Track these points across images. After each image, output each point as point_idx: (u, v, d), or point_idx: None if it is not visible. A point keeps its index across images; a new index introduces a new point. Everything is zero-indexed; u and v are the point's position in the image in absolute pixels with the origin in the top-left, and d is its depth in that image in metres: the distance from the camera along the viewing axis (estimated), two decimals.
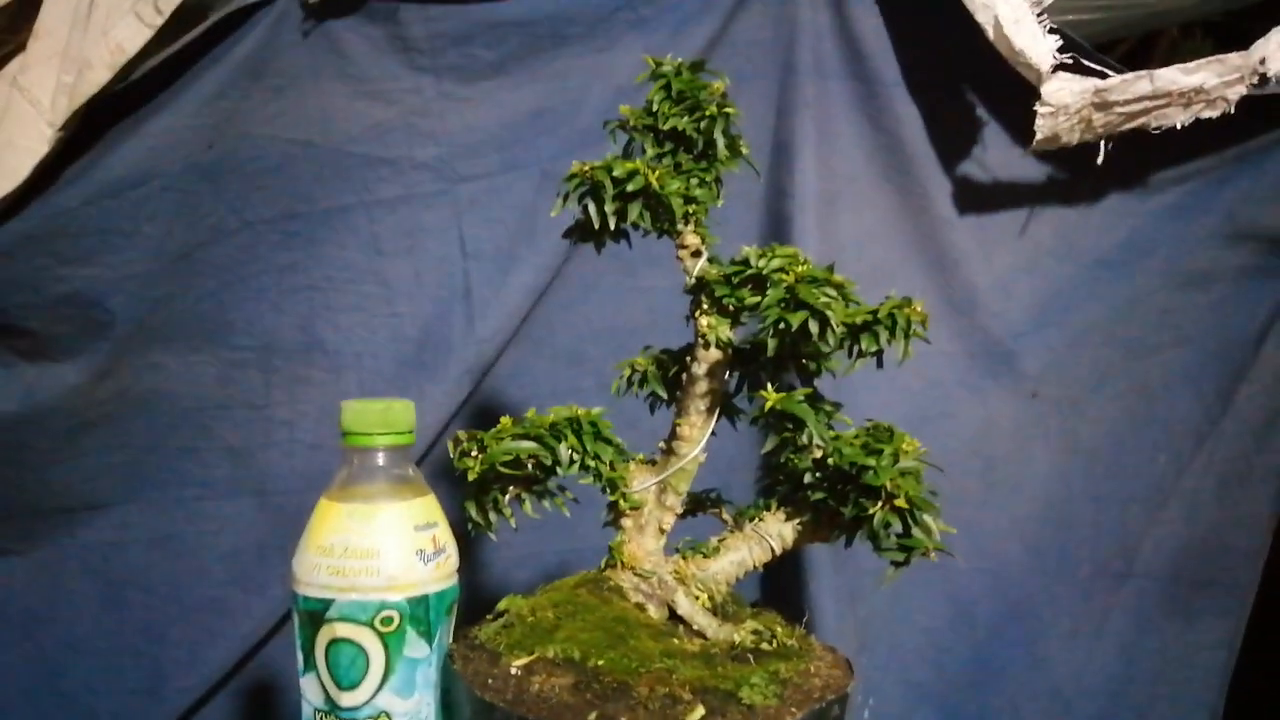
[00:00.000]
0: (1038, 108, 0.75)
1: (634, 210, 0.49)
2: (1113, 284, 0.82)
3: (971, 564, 0.85)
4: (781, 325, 0.45)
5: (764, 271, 0.47)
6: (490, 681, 0.45)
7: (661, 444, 0.52)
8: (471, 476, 0.49)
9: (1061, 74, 0.75)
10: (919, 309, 0.47)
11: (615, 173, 0.48)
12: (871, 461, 0.46)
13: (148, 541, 0.79)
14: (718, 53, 0.78)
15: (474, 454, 0.49)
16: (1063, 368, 0.83)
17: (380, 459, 0.50)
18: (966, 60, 0.78)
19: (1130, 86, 0.74)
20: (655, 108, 0.51)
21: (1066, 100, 0.76)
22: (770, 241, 0.79)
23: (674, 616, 0.50)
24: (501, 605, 0.50)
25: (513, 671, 0.45)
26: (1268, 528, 0.84)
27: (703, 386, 0.51)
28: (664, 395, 0.55)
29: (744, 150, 0.53)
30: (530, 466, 0.49)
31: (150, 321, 0.76)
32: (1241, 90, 0.74)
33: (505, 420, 0.50)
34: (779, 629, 0.49)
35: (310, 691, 0.49)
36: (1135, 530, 0.85)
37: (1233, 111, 0.73)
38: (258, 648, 0.80)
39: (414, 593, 0.48)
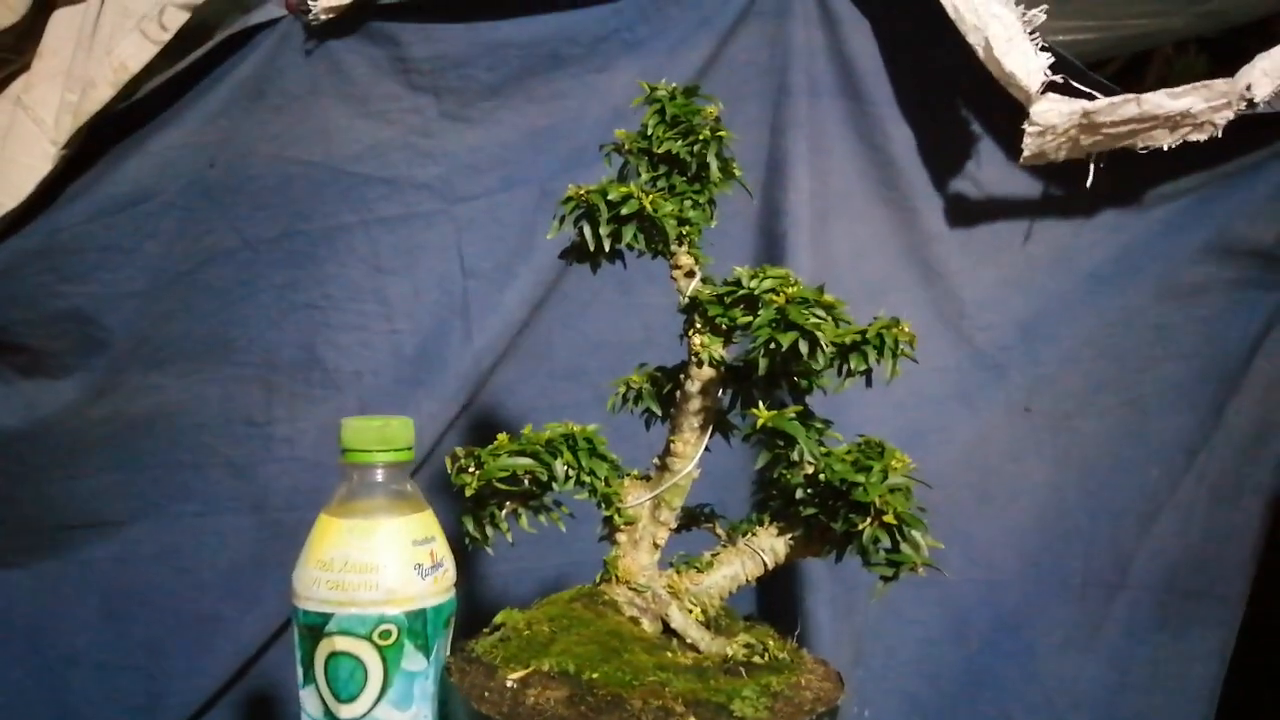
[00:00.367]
0: (1026, 127, 0.76)
1: (628, 232, 0.50)
2: (1105, 299, 0.83)
3: (966, 575, 0.85)
4: (772, 345, 0.46)
5: (755, 292, 0.48)
6: (486, 694, 0.45)
7: (656, 460, 0.53)
8: (469, 492, 0.50)
9: (1050, 95, 0.76)
10: (907, 329, 0.47)
11: (610, 196, 0.49)
12: (861, 478, 0.47)
13: (149, 557, 0.80)
14: (713, 73, 0.79)
15: (471, 470, 0.50)
16: (1055, 382, 0.84)
17: (379, 475, 0.51)
18: (958, 79, 0.79)
19: (1117, 109, 0.76)
20: (650, 131, 0.52)
21: (1054, 121, 0.77)
22: (765, 258, 0.81)
23: (668, 630, 0.50)
24: (498, 619, 0.51)
25: (509, 684, 0.46)
26: (1259, 539, 0.85)
27: (696, 404, 0.52)
28: (658, 412, 0.55)
29: (737, 172, 0.54)
30: (526, 482, 0.50)
31: (150, 340, 0.77)
32: (1229, 115, 0.75)
33: (502, 437, 0.51)
34: (771, 642, 0.50)
35: (310, 704, 0.50)
36: (1128, 542, 0.86)
37: (1220, 135, 0.74)
38: (254, 662, 0.81)
39: (412, 606, 0.49)
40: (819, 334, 0.46)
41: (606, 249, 0.50)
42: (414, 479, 0.53)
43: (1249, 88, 0.75)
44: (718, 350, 0.51)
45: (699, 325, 0.51)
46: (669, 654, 0.48)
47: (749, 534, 0.52)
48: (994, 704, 0.86)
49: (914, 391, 0.83)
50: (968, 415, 0.85)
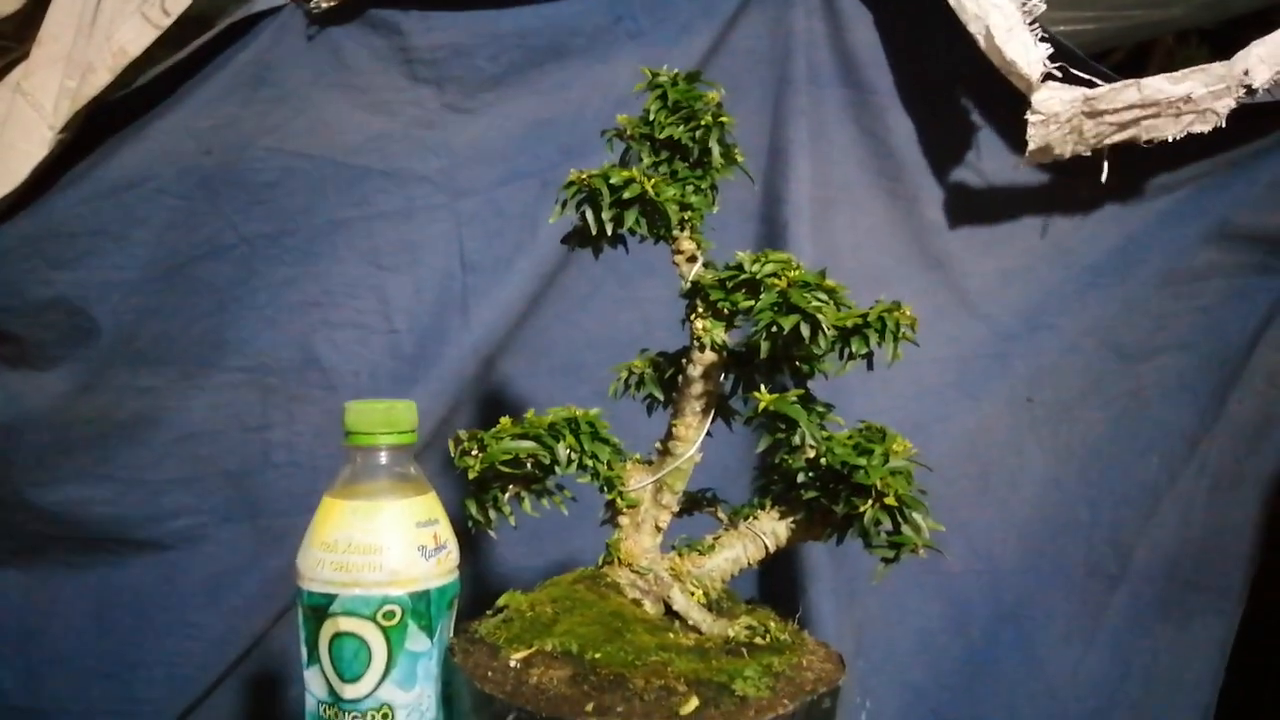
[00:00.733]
0: (1029, 116, 0.76)
1: (630, 217, 0.50)
2: (1106, 289, 0.83)
3: (967, 566, 0.85)
4: (774, 328, 0.46)
5: (757, 276, 0.49)
6: (490, 674, 0.46)
7: (658, 444, 0.54)
8: (472, 475, 0.50)
9: (1051, 83, 0.76)
10: (908, 313, 0.48)
11: (612, 180, 0.50)
12: (862, 461, 0.47)
13: (140, 565, 0.78)
14: (715, 62, 0.79)
15: (474, 453, 0.50)
16: (1057, 372, 0.84)
17: (383, 458, 0.51)
18: (959, 69, 0.79)
19: (1119, 95, 0.76)
20: (652, 117, 0.53)
21: (1056, 108, 0.77)
22: (766, 246, 0.81)
23: (670, 612, 0.51)
24: (501, 601, 0.51)
25: (512, 664, 0.46)
26: (1260, 530, 0.85)
27: (698, 388, 0.52)
28: (660, 397, 0.56)
29: (739, 158, 0.54)
30: (529, 466, 0.50)
31: (140, 336, 0.75)
32: (1230, 103, 0.75)
33: (505, 420, 0.51)
34: (773, 624, 0.50)
35: (314, 684, 0.50)
36: (1129, 533, 0.86)
37: (1224, 125, 0.74)
38: (239, 665, 0.80)
39: (415, 588, 0.49)
40: (820, 317, 0.46)
41: (609, 233, 0.51)
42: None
43: (1246, 73, 0.75)
44: (719, 335, 0.51)
45: (701, 310, 0.51)
46: (671, 635, 0.48)
47: (750, 518, 0.52)
48: (995, 694, 0.87)
49: (915, 381, 0.84)
50: (969, 405, 0.85)
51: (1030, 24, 0.77)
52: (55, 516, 0.76)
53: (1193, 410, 0.84)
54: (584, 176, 0.50)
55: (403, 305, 0.79)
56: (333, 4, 0.74)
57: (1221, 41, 1.06)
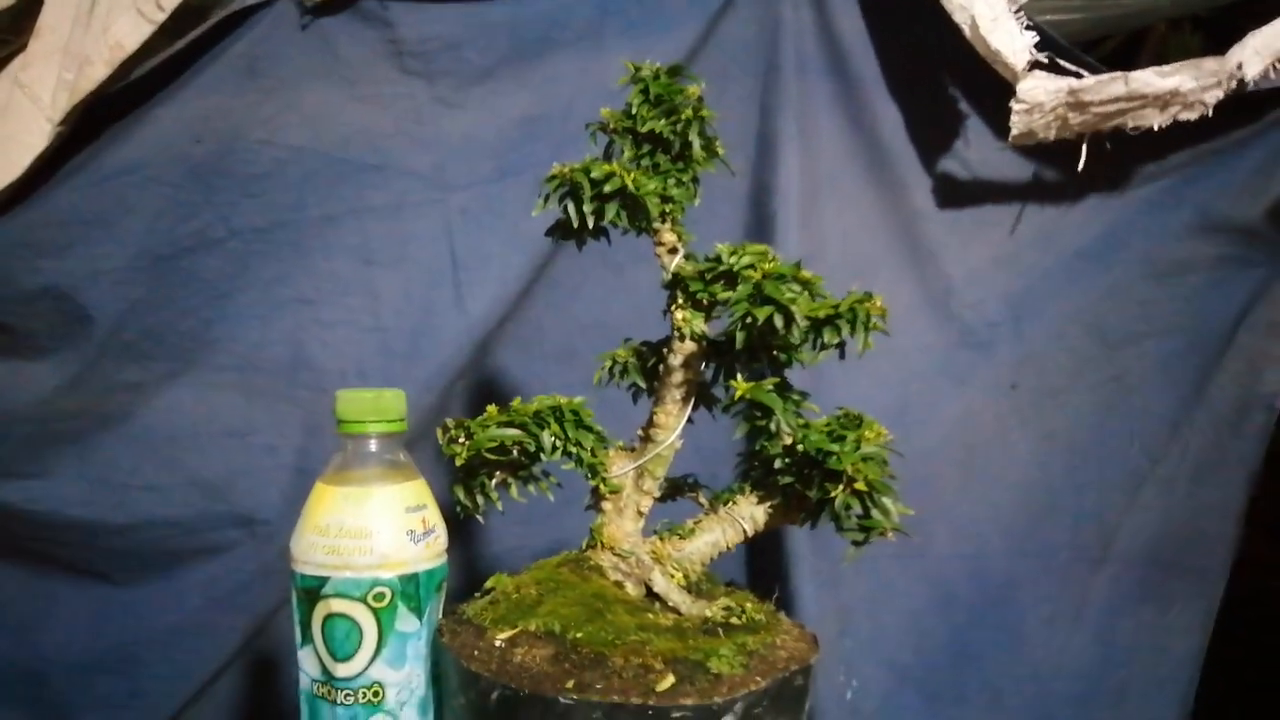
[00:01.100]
0: (1013, 104, 0.77)
1: (611, 210, 0.51)
2: (1090, 276, 0.84)
3: (952, 549, 0.87)
4: (749, 319, 0.48)
5: (735, 268, 0.50)
6: (476, 653, 0.47)
7: (640, 431, 0.55)
8: (459, 462, 0.51)
9: (1038, 72, 0.77)
10: (879, 303, 0.49)
11: (593, 174, 0.51)
12: (835, 447, 0.49)
13: (137, 561, 0.78)
14: (704, 52, 0.80)
15: (461, 440, 0.51)
16: (1041, 359, 0.86)
17: (373, 445, 0.53)
18: (945, 58, 0.80)
19: (1105, 87, 0.76)
20: (634, 110, 0.54)
21: (1041, 98, 0.78)
22: (755, 236, 0.82)
23: (650, 594, 0.52)
24: (489, 583, 0.53)
25: (497, 644, 0.48)
26: (1239, 514, 0.86)
27: (679, 377, 0.53)
28: (643, 385, 0.57)
29: (720, 151, 0.55)
30: (515, 453, 0.52)
31: (128, 329, 0.75)
32: (1219, 95, 0.75)
33: (491, 409, 0.52)
34: (749, 605, 0.51)
35: (308, 664, 0.52)
36: (1112, 517, 0.87)
37: (1210, 115, 0.75)
38: (237, 657, 0.80)
39: (405, 570, 0.51)
40: (793, 309, 0.47)
41: (590, 226, 0.52)
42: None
43: (1240, 66, 0.75)
44: (699, 325, 0.52)
45: (681, 301, 0.53)
46: (650, 616, 0.50)
47: (730, 502, 0.54)
48: (980, 675, 0.88)
49: (902, 368, 0.85)
50: (955, 392, 0.86)
51: (1015, 12, 0.77)
52: (39, 513, 0.76)
53: (1175, 396, 0.85)
54: (565, 170, 0.52)
55: (393, 302, 0.79)
56: None
57: (1214, 28, 1.06)
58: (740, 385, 0.50)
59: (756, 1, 0.81)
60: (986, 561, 0.87)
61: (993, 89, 0.78)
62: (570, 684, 0.45)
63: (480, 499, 0.52)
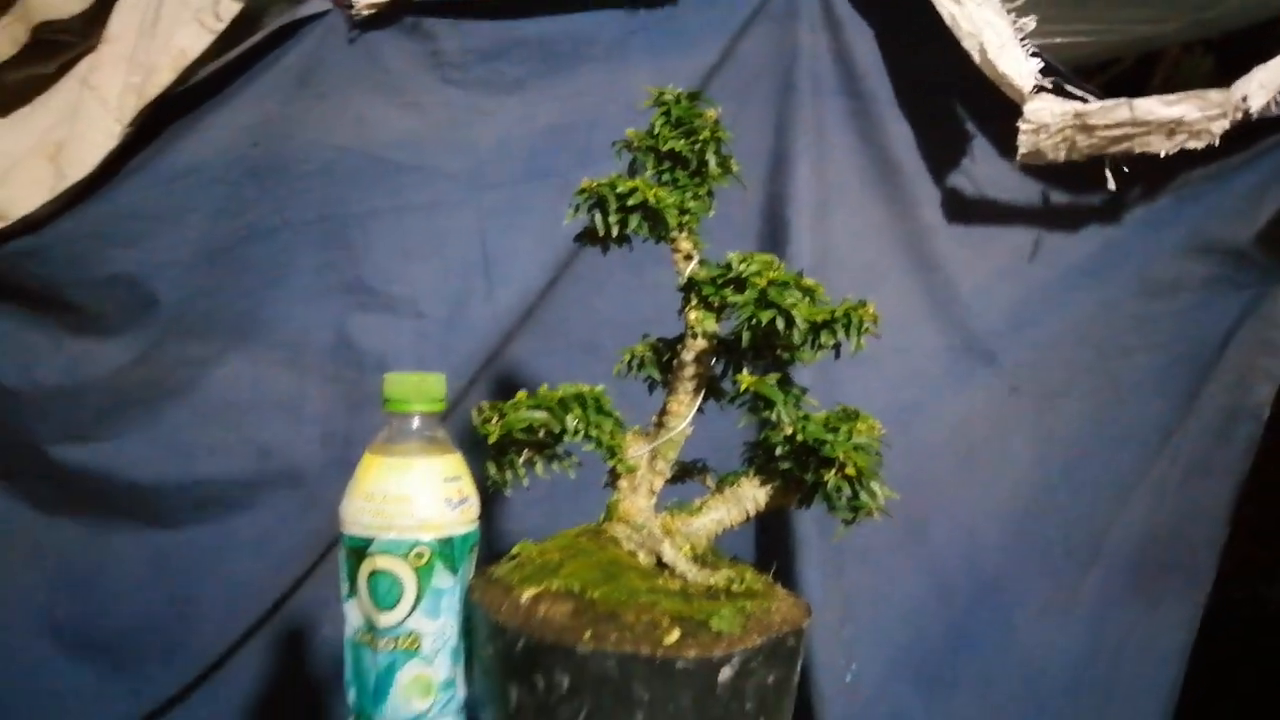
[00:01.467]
0: (1020, 124, 0.82)
1: (634, 220, 0.57)
2: (1087, 290, 0.89)
3: (951, 542, 0.92)
4: (754, 321, 0.54)
5: (743, 275, 0.56)
6: (503, 608, 0.54)
7: (655, 418, 0.61)
8: (491, 440, 0.58)
9: (1044, 95, 0.81)
10: (871, 310, 0.54)
11: (618, 189, 0.57)
12: (830, 437, 0.54)
13: (190, 520, 0.84)
14: (724, 71, 0.85)
15: (494, 421, 0.58)
16: (1039, 366, 0.90)
17: (415, 422, 0.59)
18: (955, 80, 0.85)
19: (1110, 113, 0.80)
20: (656, 131, 0.60)
21: (1047, 119, 0.82)
22: (770, 244, 0.88)
23: (660, 563, 0.58)
24: (515, 549, 0.59)
25: (522, 600, 0.54)
26: (1227, 518, 0.90)
27: (691, 370, 0.59)
28: (658, 377, 0.63)
29: (734, 168, 0.61)
30: (541, 434, 0.58)
31: (191, 312, 0.81)
32: (1225, 125, 0.78)
33: (521, 394, 0.59)
34: (749, 575, 0.57)
35: (353, 615, 0.58)
36: (1104, 517, 0.92)
37: (1217, 144, 0.78)
38: (277, 611, 0.86)
39: (442, 533, 0.57)
40: (794, 313, 0.53)
41: (615, 234, 0.58)
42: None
43: (1245, 99, 0.78)
44: (710, 324, 0.58)
45: (694, 302, 0.58)
46: (659, 581, 0.55)
47: (734, 484, 0.60)
48: (974, 663, 0.93)
49: (908, 371, 0.90)
50: (958, 394, 0.91)
51: (1022, 40, 0.82)
52: (109, 473, 0.83)
53: (1166, 404, 0.89)
54: (594, 185, 0.58)
55: (428, 292, 0.85)
56: (373, 10, 0.81)
57: (1227, 51, 1.09)
58: (746, 379, 0.56)
59: (775, 24, 0.85)
60: (983, 554, 0.92)
61: (1001, 111, 0.82)
62: (588, 635, 0.50)
63: (509, 475, 0.59)
